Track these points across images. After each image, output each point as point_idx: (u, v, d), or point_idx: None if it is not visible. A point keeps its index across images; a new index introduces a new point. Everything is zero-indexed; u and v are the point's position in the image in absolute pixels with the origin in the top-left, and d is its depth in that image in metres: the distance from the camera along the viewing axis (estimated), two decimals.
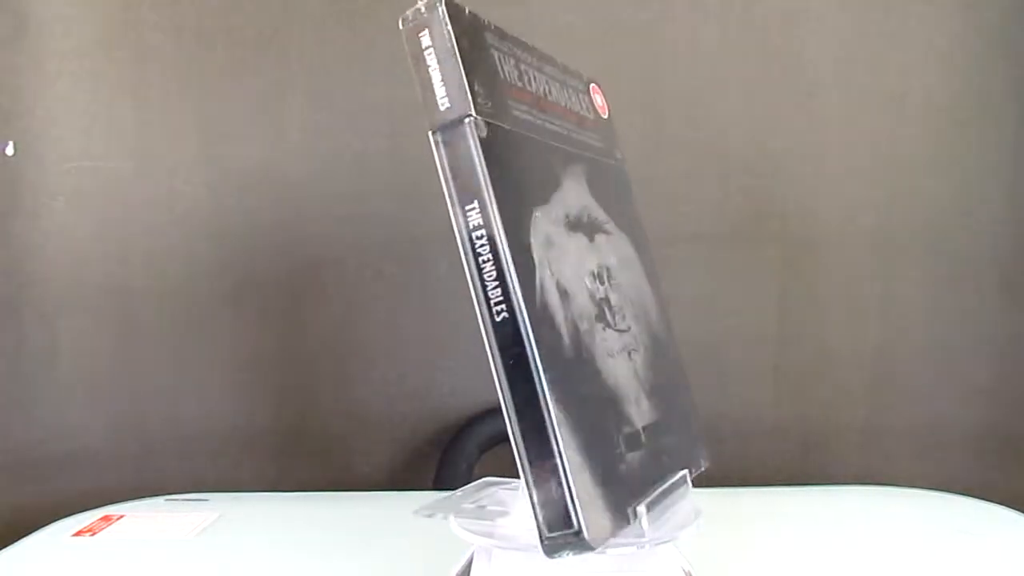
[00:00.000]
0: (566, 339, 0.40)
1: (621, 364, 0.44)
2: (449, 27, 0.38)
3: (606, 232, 0.47)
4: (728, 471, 0.79)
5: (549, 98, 0.46)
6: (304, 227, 0.79)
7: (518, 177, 0.40)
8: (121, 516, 0.67)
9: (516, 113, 0.41)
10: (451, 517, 0.44)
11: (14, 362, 0.78)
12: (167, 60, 0.78)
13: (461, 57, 0.38)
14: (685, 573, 0.43)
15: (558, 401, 0.37)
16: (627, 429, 0.42)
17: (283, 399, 0.81)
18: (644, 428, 0.44)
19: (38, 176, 0.78)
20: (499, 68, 0.41)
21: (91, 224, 0.79)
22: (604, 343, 0.43)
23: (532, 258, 0.39)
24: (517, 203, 0.40)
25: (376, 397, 0.81)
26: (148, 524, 0.65)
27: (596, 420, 0.39)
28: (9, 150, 0.77)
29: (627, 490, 0.39)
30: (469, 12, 0.40)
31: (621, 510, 0.38)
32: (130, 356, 0.79)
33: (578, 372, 0.40)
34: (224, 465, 0.79)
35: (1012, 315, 0.80)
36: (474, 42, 0.40)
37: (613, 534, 0.37)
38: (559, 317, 0.40)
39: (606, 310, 0.44)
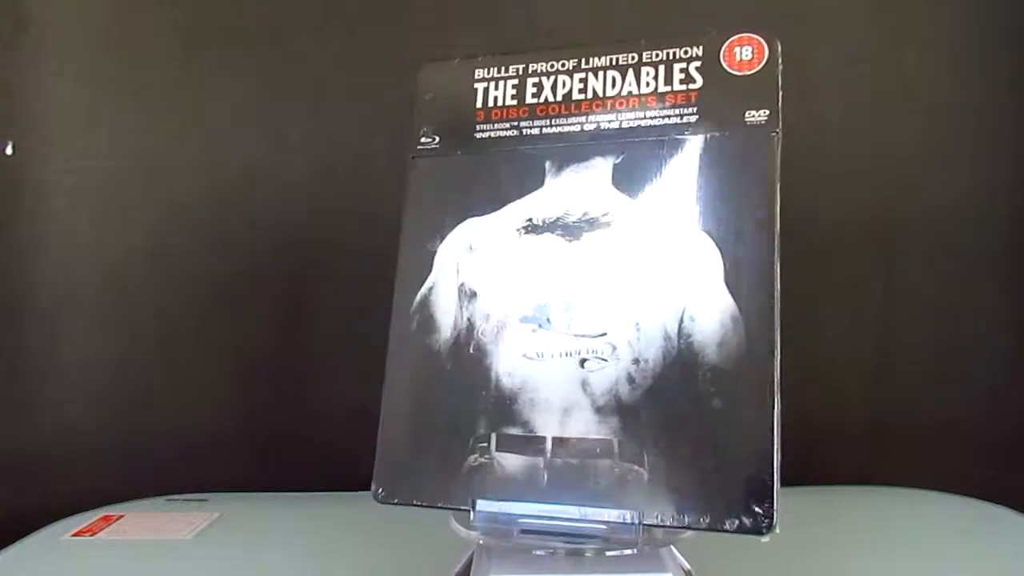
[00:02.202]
0: (445, 334, 0.46)
1: (552, 368, 0.43)
2: (416, 90, 0.50)
3: (624, 227, 0.45)
4: None
5: (574, 97, 0.47)
6: (304, 227, 0.79)
7: (451, 195, 0.48)
8: (121, 516, 0.67)
9: (484, 136, 0.48)
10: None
11: (14, 362, 0.78)
12: (167, 60, 0.78)
13: (417, 111, 0.50)
14: (685, 573, 0.43)
15: (397, 386, 0.48)
16: (509, 430, 0.43)
17: (283, 399, 0.80)
18: (557, 440, 0.42)
19: (38, 176, 0.78)
20: (478, 99, 0.49)
21: (91, 224, 0.79)
22: (522, 343, 0.44)
23: (431, 264, 0.48)
24: (439, 218, 0.48)
25: (376, 397, 0.80)
26: (148, 524, 0.65)
27: (449, 412, 0.45)
28: (9, 150, 0.77)
29: (473, 481, 0.43)
30: (458, 60, 0.50)
31: (453, 495, 0.43)
32: (130, 356, 0.79)
33: (443, 365, 0.46)
34: (224, 465, 0.79)
35: (1012, 315, 0.80)
36: (451, 87, 0.50)
37: (408, 502, 0.44)
38: (444, 315, 0.47)
39: (551, 310, 0.44)
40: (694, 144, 0.45)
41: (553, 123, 0.47)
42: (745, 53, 0.48)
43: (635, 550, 0.41)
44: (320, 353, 0.80)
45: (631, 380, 0.42)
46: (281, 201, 0.79)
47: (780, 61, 0.48)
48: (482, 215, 0.47)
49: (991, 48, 0.79)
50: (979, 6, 0.79)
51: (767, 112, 0.46)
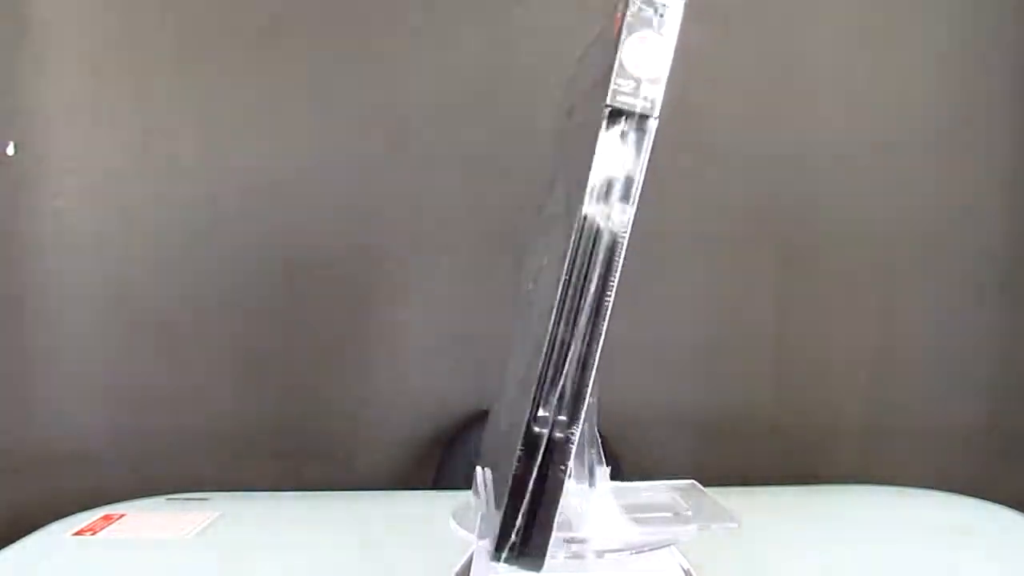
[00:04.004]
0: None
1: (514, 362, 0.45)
2: None
3: (556, 223, 0.42)
4: (728, 471, 0.79)
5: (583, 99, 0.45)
6: (304, 227, 0.79)
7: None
8: (122, 515, 0.67)
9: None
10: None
11: (15, 362, 0.78)
12: (167, 60, 0.78)
13: None
14: (685, 573, 0.43)
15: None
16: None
17: (283, 399, 0.81)
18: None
19: (38, 176, 0.78)
20: None
21: (91, 224, 0.79)
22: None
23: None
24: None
25: (376, 397, 0.81)
26: (149, 523, 0.65)
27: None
28: (9, 150, 0.77)
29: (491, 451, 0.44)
30: None
31: None
32: (130, 356, 0.79)
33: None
34: (224, 465, 0.79)
35: (1012, 315, 0.80)
36: None
37: None
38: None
39: (525, 311, 0.45)
40: (578, 124, 0.39)
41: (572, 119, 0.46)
42: (619, 8, 0.37)
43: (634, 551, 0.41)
44: (320, 353, 0.80)
45: (513, 385, 0.41)
46: (281, 201, 0.79)
47: (629, 9, 0.36)
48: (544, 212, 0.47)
49: (991, 48, 0.79)
50: (978, 6, 0.79)
51: (605, 85, 0.35)
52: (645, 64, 0.36)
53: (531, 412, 0.34)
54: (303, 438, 0.81)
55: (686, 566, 0.43)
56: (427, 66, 0.78)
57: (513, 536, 0.35)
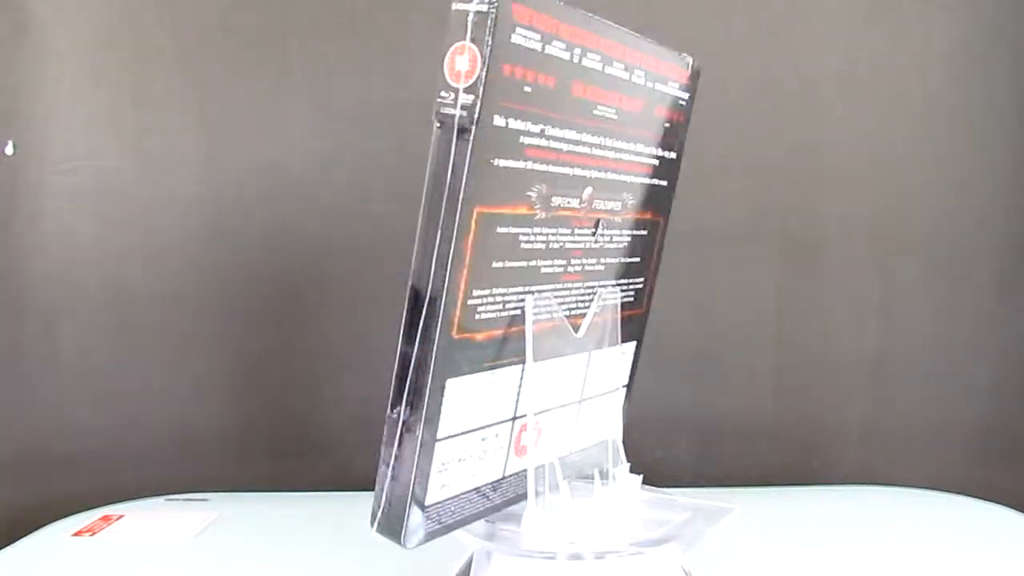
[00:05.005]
0: None
1: None
2: None
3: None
4: (728, 471, 0.79)
5: None
6: (304, 227, 0.79)
7: None
8: (121, 516, 0.67)
9: None
10: None
11: (14, 362, 0.78)
12: (167, 60, 0.78)
13: None
14: (685, 573, 0.43)
15: None
16: None
17: (283, 399, 0.80)
18: None
19: (38, 176, 0.78)
20: None
21: (91, 224, 0.79)
22: None
23: None
24: None
25: (376, 397, 0.80)
26: (148, 524, 0.65)
27: None
28: (9, 150, 0.77)
29: None
30: None
31: None
32: (130, 356, 0.79)
33: None
34: (224, 465, 0.79)
35: (1012, 315, 0.80)
36: None
37: None
38: None
39: None
40: None
41: None
42: None
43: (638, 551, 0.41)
44: (320, 353, 0.80)
45: None
46: (281, 201, 0.79)
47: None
48: None
49: (991, 48, 0.79)
50: (978, 6, 0.79)
51: None
52: (460, 74, 0.37)
53: (389, 404, 0.40)
54: (302, 438, 0.81)
55: (687, 566, 0.43)
56: (427, 66, 0.78)
57: (379, 512, 0.40)
